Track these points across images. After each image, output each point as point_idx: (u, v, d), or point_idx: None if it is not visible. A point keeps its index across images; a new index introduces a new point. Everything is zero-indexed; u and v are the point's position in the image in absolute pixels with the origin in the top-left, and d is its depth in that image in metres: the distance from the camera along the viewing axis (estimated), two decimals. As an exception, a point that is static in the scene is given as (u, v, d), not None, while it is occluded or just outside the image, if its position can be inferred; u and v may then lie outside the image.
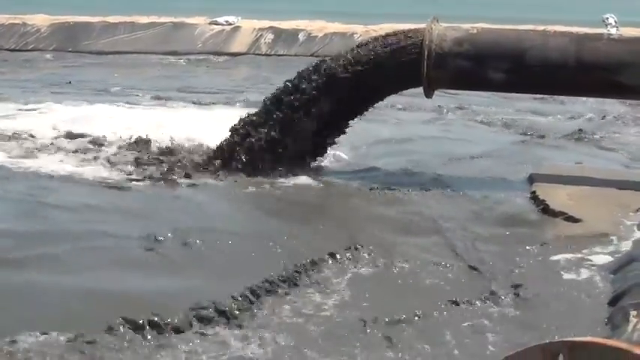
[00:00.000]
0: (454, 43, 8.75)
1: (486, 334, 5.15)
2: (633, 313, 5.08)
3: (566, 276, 6.18)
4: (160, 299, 5.42)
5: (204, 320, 5.18)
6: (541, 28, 10.15)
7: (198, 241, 6.71)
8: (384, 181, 8.78)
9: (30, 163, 9.18)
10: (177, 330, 5.01)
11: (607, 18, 18.53)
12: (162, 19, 21.74)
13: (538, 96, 13.23)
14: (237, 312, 5.30)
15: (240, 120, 9.10)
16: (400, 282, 6.01)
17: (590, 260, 6.48)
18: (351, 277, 6.01)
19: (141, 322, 4.97)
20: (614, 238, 6.96)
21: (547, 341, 1.13)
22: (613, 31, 14.60)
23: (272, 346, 4.91)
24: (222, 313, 5.27)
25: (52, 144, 9.94)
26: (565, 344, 1.07)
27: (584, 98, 12.86)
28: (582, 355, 1.06)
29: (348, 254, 6.36)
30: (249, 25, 21.24)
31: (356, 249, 6.46)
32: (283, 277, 5.84)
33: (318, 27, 20.98)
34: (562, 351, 1.09)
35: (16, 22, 21.80)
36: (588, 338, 1.12)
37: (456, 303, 5.59)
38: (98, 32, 21.34)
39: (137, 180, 8.60)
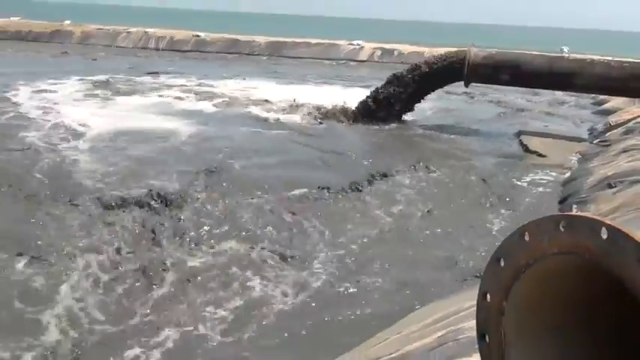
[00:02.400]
0: (482, 59, 8.48)
1: (488, 217, 5.13)
2: (575, 207, 4.93)
3: (536, 187, 6.07)
4: (321, 181, 5.59)
5: (339, 192, 5.36)
6: (528, 52, 9.56)
7: (334, 155, 6.77)
8: (437, 129, 8.67)
9: (249, 110, 9.40)
10: (328, 196, 5.25)
11: (563, 48, 17.37)
12: (323, 41, 21.60)
13: (527, 89, 12.48)
14: (352, 191, 5.44)
15: (368, 96, 9.09)
16: (443, 184, 5.98)
17: (550, 178, 6.34)
18: (414, 180, 6.03)
19: (313, 190, 5.28)
20: (564, 166, 6.76)
21: (555, 214, 1.12)
22: (566, 56, 13.60)
23: (373, 209, 5.11)
24: (345, 190, 5.42)
25: (266, 101, 10.06)
26: (564, 216, 1.06)
27: (552, 91, 12.13)
28: (573, 222, 1.05)
29: (413, 168, 6.32)
30: (368, 46, 20.89)
31: (418, 165, 6.42)
32: (378, 174, 5.94)
33: (404, 48, 20.44)
34: (563, 220, 1.08)
35: (248, 39, 22.07)
36: (578, 213, 1.10)
37: (475, 198, 5.62)
38: (290, 46, 21.36)
39: (305, 123, 8.67)
